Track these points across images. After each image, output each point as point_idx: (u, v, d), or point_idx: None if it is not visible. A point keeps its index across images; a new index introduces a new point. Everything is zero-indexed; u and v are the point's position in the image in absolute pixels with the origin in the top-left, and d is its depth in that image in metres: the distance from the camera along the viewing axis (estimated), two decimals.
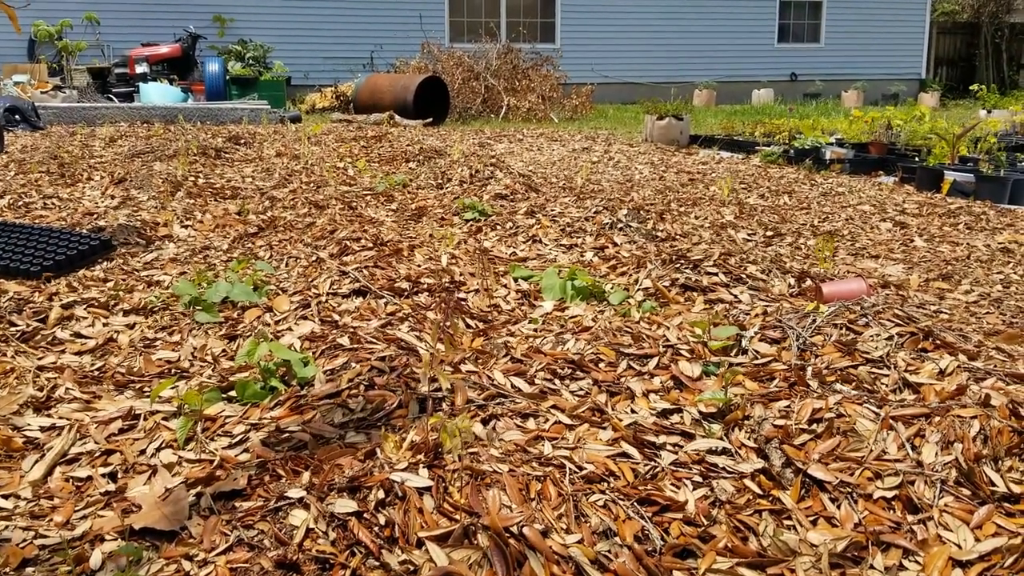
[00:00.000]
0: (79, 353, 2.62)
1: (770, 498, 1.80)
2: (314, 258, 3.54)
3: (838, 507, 1.77)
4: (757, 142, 8.20)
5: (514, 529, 1.52)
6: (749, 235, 4.14)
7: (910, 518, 1.72)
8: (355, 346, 2.52)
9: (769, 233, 4.23)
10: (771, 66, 17.10)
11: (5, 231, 3.72)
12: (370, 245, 3.72)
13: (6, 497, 1.80)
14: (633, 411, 2.17)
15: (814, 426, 2.02)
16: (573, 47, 15.42)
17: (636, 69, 16.08)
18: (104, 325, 2.82)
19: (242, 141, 7.29)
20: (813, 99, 16.40)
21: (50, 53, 12.91)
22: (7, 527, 1.66)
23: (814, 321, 2.56)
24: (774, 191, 5.65)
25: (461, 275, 3.33)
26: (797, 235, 4.26)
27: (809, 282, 3.27)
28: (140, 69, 12.18)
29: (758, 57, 16.99)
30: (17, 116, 8.45)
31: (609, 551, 1.55)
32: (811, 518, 1.74)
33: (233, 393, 2.26)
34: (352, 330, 2.65)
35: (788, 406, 2.13)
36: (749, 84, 16.54)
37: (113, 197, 4.88)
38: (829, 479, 1.83)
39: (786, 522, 1.73)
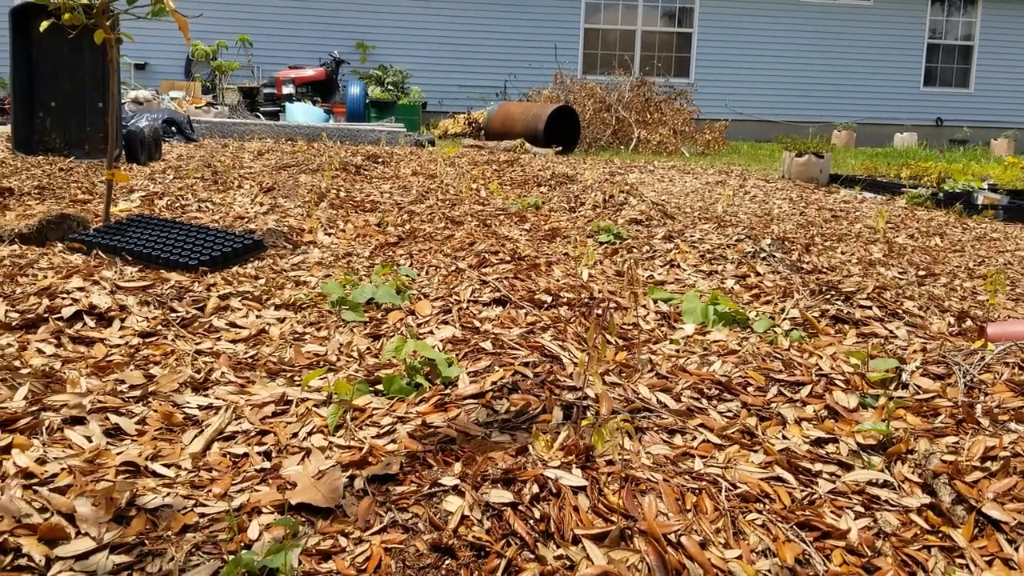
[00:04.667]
0: (234, 341, 2.72)
1: (939, 534, 1.69)
2: (453, 268, 3.58)
3: (1016, 549, 1.64)
4: (902, 184, 7.87)
5: (672, 537, 1.46)
6: (900, 273, 3.95)
7: None
8: (498, 351, 2.52)
9: (921, 273, 4.03)
10: (915, 110, 16.46)
11: (167, 228, 3.93)
12: (508, 259, 3.74)
13: (168, 466, 1.86)
14: (785, 437, 2.08)
15: (987, 464, 1.88)
16: (707, 82, 15.27)
17: (772, 106, 15.78)
18: (257, 317, 2.93)
19: (380, 160, 7.51)
20: (960, 146, 15.66)
21: (204, 72, 13.72)
22: (169, 494, 1.72)
23: (983, 359, 2.41)
24: (924, 232, 5.40)
25: (600, 292, 3.30)
26: (952, 276, 4.04)
27: (969, 322, 3.08)
28: (286, 90, 12.79)
29: (902, 100, 16.38)
30: (173, 128, 8.97)
31: (769, 570, 1.48)
32: (986, 558, 1.62)
33: (379, 387, 2.29)
34: (494, 336, 2.66)
35: (957, 443, 2.00)
36: (891, 127, 15.96)
37: (262, 204, 5.09)
38: (1006, 519, 1.70)
39: (958, 560, 1.61)
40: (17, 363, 2.30)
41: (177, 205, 4.91)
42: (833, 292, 3.24)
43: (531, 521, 1.49)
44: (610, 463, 1.71)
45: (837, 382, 2.38)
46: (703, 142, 12.42)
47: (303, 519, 1.60)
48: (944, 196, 6.98)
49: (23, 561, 1.44)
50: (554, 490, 1.56)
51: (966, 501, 1.76)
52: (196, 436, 2.02)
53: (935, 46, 16.59)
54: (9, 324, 2.60)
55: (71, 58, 6.14)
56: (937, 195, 7.06)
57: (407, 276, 3.41)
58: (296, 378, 2.42)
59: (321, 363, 2.54)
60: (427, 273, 3.56)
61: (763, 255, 3.86)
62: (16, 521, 1.52)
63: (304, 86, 13.12)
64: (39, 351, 2.44)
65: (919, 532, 1.69)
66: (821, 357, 2.57)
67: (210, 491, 1.75)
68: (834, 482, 1.87)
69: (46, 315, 2.67)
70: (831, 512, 1.73)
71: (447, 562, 1.42)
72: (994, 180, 8.09)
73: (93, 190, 5.07)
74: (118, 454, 1.86)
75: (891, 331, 2.90)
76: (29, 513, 1.55)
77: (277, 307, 3.04)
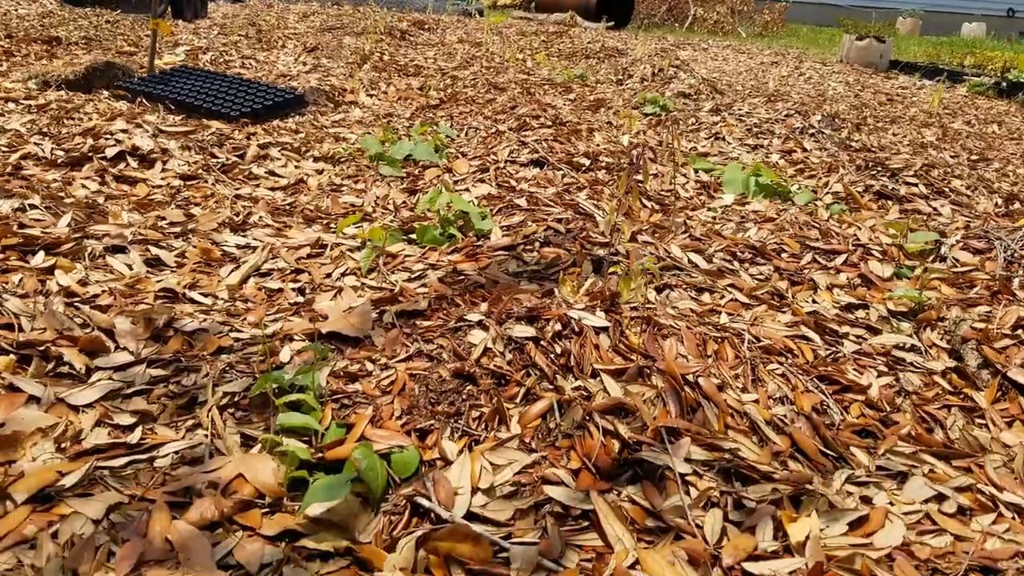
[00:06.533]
0: (272, 189, 2.75)
1: (961, 395, 1.69)
2: (493, 130, 3.55)
3: None
4: (965, 72, 7.55)
5: (690, 378, 1.49)
6: (952, 156, 3.84)
7: None
8: (532, 208, 2.52)
9: (974, 157, 3.91)
10: None
11: (210, 79, 3.92)
12: (548, 123, 3.69)
13: (205, 295, 1.92)
14: (815, 301, 2.07)
15: (1018, 332, 1.87)
16: None
17: None
18: (296, 167, 2.94)
19: (426, 27, 7.36)
20: None
21: None
22: (206, 320, 1.77)
23: None
24: (981, 119, 5.20)
25: (639, 159, 3.25)
26: (1006, 162, 3.91)
27: (1018, 204, 3.00)
28: None
29: None
30: None
31: (785, 416, 1.50)
32: (1006, 420, 1.62)
33: (413, 236, 2.32)
34: (529, 194, 2.65)
35: (989, 312, 1.98)
36: (959, 16, 15.17)
37: (305, 64, 5.04)
38: None
39: (978, 420, 1.62)
40: (61, 194, 2.35)
41: (221, 61, 4.88)
42: (879, 168, 3.16)
43: (552, 355, 1.52)
44: (634, 309, 1.73)
45: (874, 252, 2.35)
46: (761, 23, 11.95)
47: (333, 347, 1.65)
48: (1008, 86, 6.69)
49: (65, 369, 1.51)
50: (576, 329, 1.58)
51: (992, 366, 1.75)
52: (233, 271, 2.07)
53: None
54: (55, 161, 2.65)
55: None
56: (1000, 84, 6.77)
57: (446, 136, 3.38)
58: (332, 225, 2.45)
59: (357, 212, 2.56)
60: (466, 134, 3.53)
61: (811, 131, 3.76)
62: (58, 332, 1.58)
63: None
64: (83, 186, 2.49)
65: (940, 392, 1.70)
66: (860, 228, 2.53)
67: (245, 319, 1.81)
68: (860, 344, 1.87)
69: (90, 154, 2.71)
70: (853, 370, 1.74)
71: (468, 388, 1.47)
72: None
73: (139, 43, 5.05)
74: (157, 282, 1.92)
75: (935, 208, 2.84)
76: (71, 327, 1.61)
77: (316, 159, 3.05)
